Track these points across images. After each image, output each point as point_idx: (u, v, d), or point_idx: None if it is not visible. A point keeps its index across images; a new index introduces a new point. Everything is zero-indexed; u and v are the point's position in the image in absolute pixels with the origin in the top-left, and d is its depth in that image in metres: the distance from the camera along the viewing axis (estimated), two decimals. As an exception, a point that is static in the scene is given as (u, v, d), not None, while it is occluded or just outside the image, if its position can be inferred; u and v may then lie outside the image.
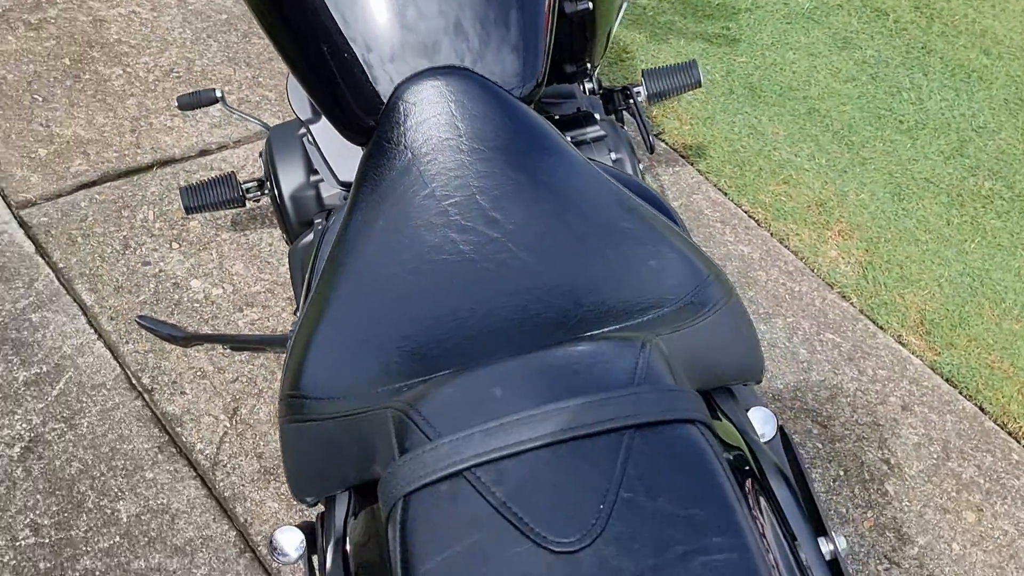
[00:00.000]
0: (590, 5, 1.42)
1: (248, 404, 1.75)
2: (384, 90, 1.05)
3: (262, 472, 1.67)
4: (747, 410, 0.94)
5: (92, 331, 1.81)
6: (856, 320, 2.13)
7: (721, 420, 0.91)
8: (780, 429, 0.89)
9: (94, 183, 2.06)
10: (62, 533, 1.55)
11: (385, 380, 0.87)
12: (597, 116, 1.49)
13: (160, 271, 1.93)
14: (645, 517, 0.68)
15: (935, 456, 1.90)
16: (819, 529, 0.81)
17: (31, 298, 1.83)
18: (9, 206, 1.98)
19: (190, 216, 1.99)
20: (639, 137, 2.11)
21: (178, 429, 1.70)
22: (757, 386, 1.14)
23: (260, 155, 1.63)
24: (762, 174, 2.39)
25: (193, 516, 1.60)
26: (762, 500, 0.81)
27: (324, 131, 1.33)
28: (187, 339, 1.62)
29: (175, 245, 1.97)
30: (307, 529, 0.95)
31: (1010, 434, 1.95)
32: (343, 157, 1.32)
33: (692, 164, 2.40)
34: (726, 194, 2.35)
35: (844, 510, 1.80)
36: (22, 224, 1.95)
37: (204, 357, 1.80)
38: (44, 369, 1.74)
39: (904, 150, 2.48)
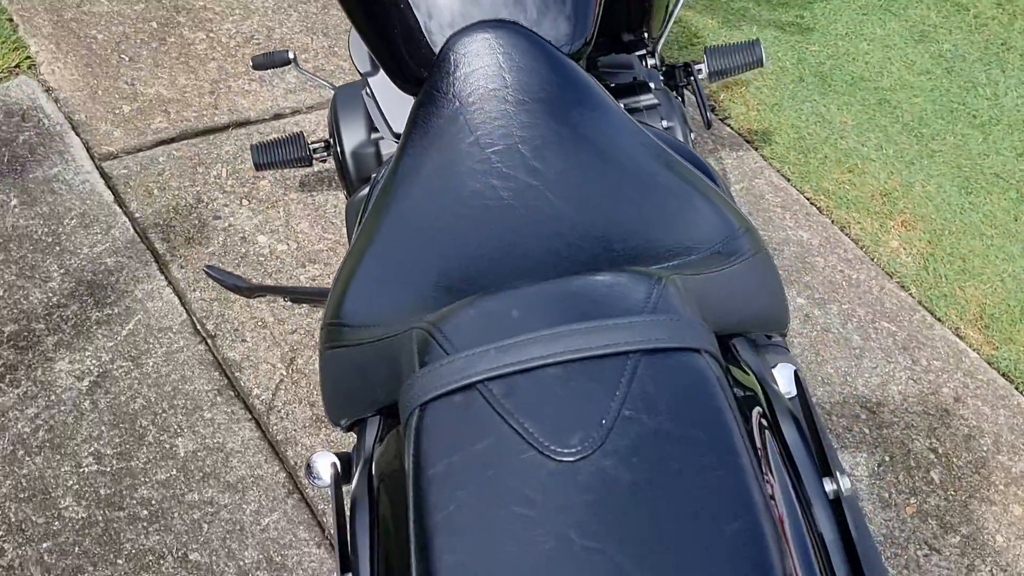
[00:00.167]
0: None
1: (305, 355, 1.82)
2: (437, 41, 1.09)
3: (314, 419, 1.73)
4: (774, 366, 0.96)
5: (162, 278, 1.89)
6: (914, 311, 2.11)
7: (740, 367, 0.93)
8: (796, 375, 0.91)
9: (173, 140, 2.15)
10: (123, 463, 1.63)
11: (417, 310, 0.91)
12: (652, 85, 1.51)
13: (229, 225, 2.01)
14: (644, 434, 0.71)
15: (985, 449, 1.88)
16: (826, 471, 0.83)
17: (107, 244, 1.93)
18: (92, 158, 2.08)
19: (260, 174, 2.07)
20: (698, 116, 2.13)
21: (237, 374, 1.78)
22: (792, 352, 1.15)
23: None
24: (827, 162, 2.38)
25: (246, 456, 1.67)
26: (769, 436, 0.83)
27: (381, 84, 1.38)
28: (251, 290, 1.69)
29: (245, 202, 2.05)
30: (343, 458, 1.00)
31: (1065, 431, 1.93)
32: (398, 110, 1.37)
33: (756, 149, 2.41)
34: (789, 180, 2.35)
35: (887, 495, 1.80)
36: (103, 175, 2.05)
37: (266, 308, 1.88)
38: (116, 311, 1.83)
39: (975, 144, 2.44)
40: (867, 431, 1.88)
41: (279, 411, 1.74)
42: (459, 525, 0.69)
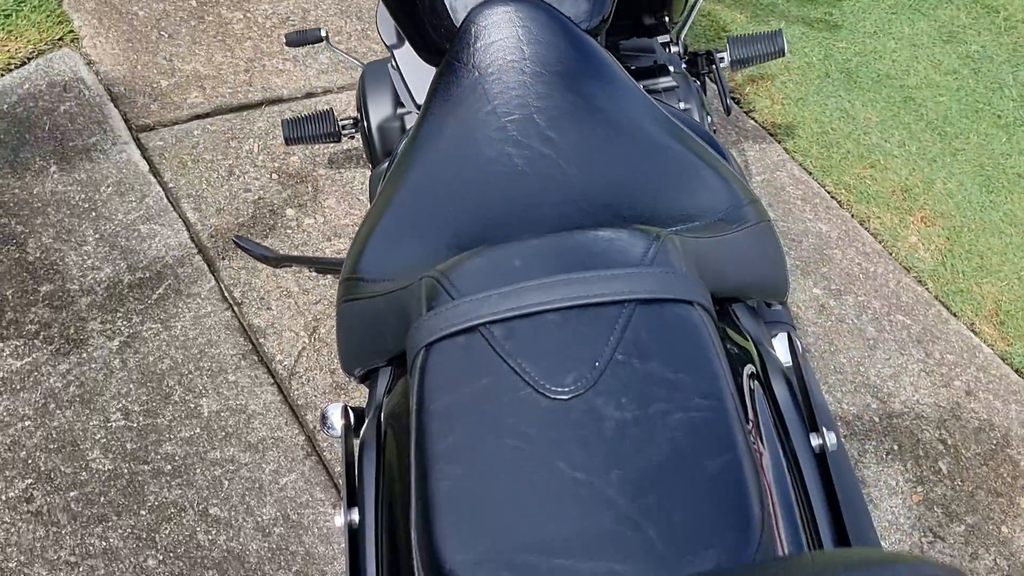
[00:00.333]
0: None
1: (327, 324, 1.87)
2: (459, 14, 1.14)
3: (334, 386, 1.78)
4: (774, 335, 1.00)
5: (193, 246, 1.96)
6: (929, 305, 2.13)
7: (738, 331, 0.97)
8: (788, 337, 0.95)
9: (207, 115, 2.21)
10: (149, 420, 1.69)
11: (429, 265, 0.96)
12: (671, 68, 1.55)
13: (259, 198, 2.07)
14: (635, 377, 0.75)
15: (994, 442, 1.90)
16: (814, 427, 0.86)
17: (142, 211, 1.99)
18: (130, 128, 2.15)
19: (290, 150, 2.13)
20: (719, 105, 2.16)
21: (261, 340, 1.83)
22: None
23: None
24: (849, 157, 2.40)
25: (267, 418, 1.73)
26: (759, 392, 0.87)
27: (406, 57, 1.43)
28: (277, 260, 1.75)
29: (275, 176, 2.11)
30: (356, 411, 1.05)
31: (1075, 427, 1.94)
32: (422, 82, 1.41)
33: (779, 142, 2.43)
34: (811, 173, 2.37)
35: (894, 482, 1.82)
36: (139, 146, 2.12)
37: (291, 279, 1.93)
38: (147, 275, 1.89)
39: (999, 144, 2.46)
40: (877, 420, 1.90)
41: (300, 377, 1.79)
42: (457, 454, 0.74)
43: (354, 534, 0.87)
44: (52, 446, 1.66)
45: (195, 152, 2.13)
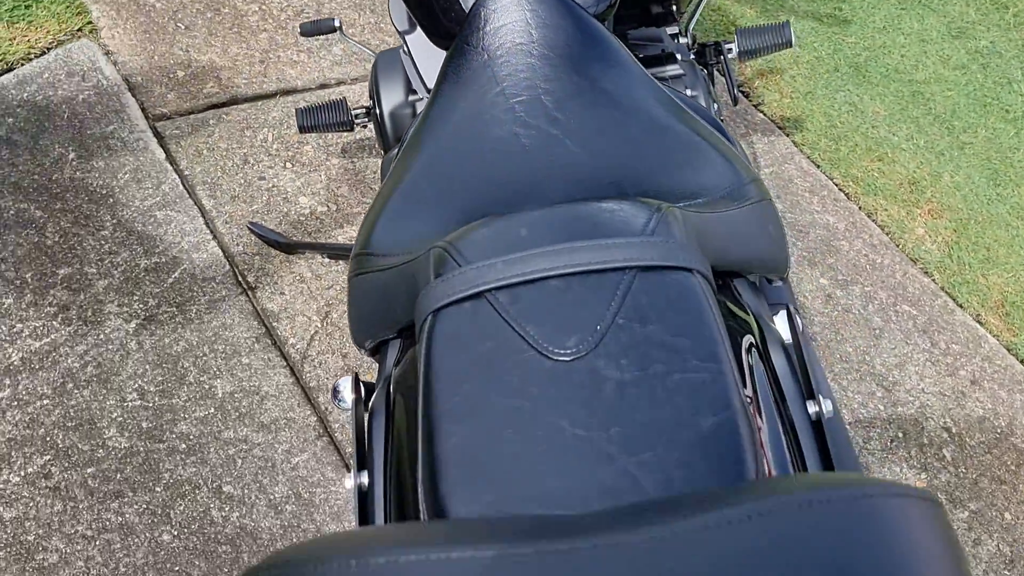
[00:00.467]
0: None
1: (339, 309, 1.90)
2: None
3: (346, 369, 1.82)
4: (775, 313, 1.02)
5: (208, 232, 1.99)
6: (936, 296, 2.15)
7: (739, 305, 0.99)
8: (788, 313, 0.97)
9: (223, 104, 2.25)
10: (164, 400, 1.73)
11: (438, 239, 0.99)
12: (679, 57, 1.57)
13: (273, 186, 2.10)
14: (635, 340, 0.77)
15: (999, 430, 1.92)
16: (810, 395, 0.89)
17: (158, 198, 2.03)
18: (147, 117, 2.19)
19: (304, 139, 2.16)
20: (727, 98, 2.18)
21: (274, 324, 1.87)
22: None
23: None
24: (857, 150, 2.42)
25: (280, 400, 1.76)
26: (757, 360, 0.89)
27: (418, 42, 1.46)
28: (290, 246, 1.78)
29: (289, 165, 2.15)
30: (367, 385, 1.08)
31: (1078, 417, 1.96)
32: (433, 67, 1.44)
33: (788, 135, 2.45)
34: (818, 166, 2.39)
35: (899, 469, 1.84)
36: (156, 134, 2.16)
37: (304, 264, 1.97)
38: (163, 260, 1.93)
39: (1007, 138, 2.47)
40: (882, 408, 1.92)
41: (312, 360, 1.83)
42: (462, 413, 0.77)
43: (363, 496, 0.90)
44: (70, 424, 1.69)
45: (211, 141, 2.17)
